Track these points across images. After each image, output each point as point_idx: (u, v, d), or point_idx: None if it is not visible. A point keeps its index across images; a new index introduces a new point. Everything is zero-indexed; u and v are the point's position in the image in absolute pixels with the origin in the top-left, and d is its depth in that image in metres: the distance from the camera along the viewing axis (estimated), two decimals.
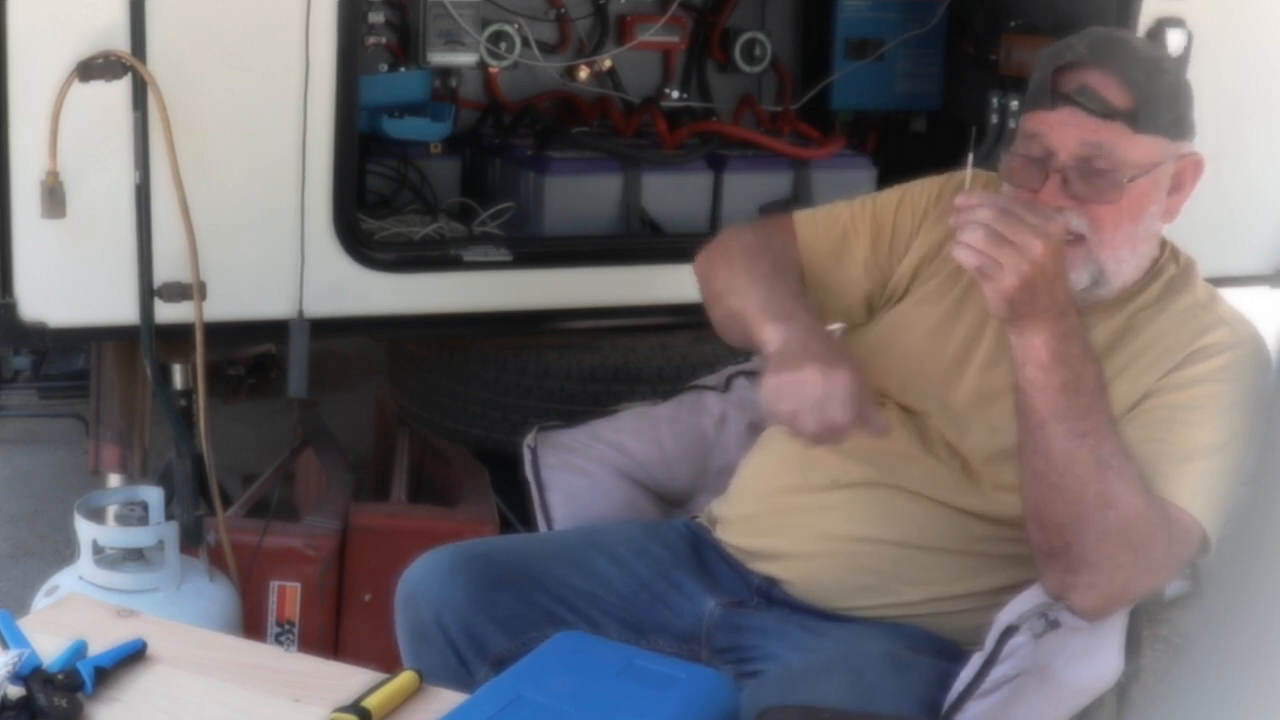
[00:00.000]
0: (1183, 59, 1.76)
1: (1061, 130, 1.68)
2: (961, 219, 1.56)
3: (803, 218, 1.95)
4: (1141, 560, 1.58)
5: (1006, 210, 1.55)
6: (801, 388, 1.59)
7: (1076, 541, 1.57)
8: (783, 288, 1.76)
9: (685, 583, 1.85)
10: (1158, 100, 1.68)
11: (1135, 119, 1.67)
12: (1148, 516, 1.57)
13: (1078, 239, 1.69)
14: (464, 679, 1.72)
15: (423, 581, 1.80)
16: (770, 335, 1.67)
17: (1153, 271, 1.79)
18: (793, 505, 1.83)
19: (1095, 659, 1.61)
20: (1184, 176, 1.74)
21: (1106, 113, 1.66)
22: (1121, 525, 1.56)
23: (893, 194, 1.95)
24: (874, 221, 1.91)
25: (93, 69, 2.16)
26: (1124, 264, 1.72)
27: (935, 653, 1.70)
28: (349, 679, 1.45)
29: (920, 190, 1.93)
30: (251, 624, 2.42)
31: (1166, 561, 1.61)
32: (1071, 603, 1.59)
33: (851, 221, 1.92)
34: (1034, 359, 1.58)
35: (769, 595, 1.83)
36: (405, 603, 1.81)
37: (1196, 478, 1.63)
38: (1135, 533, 1.56)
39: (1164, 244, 1.82)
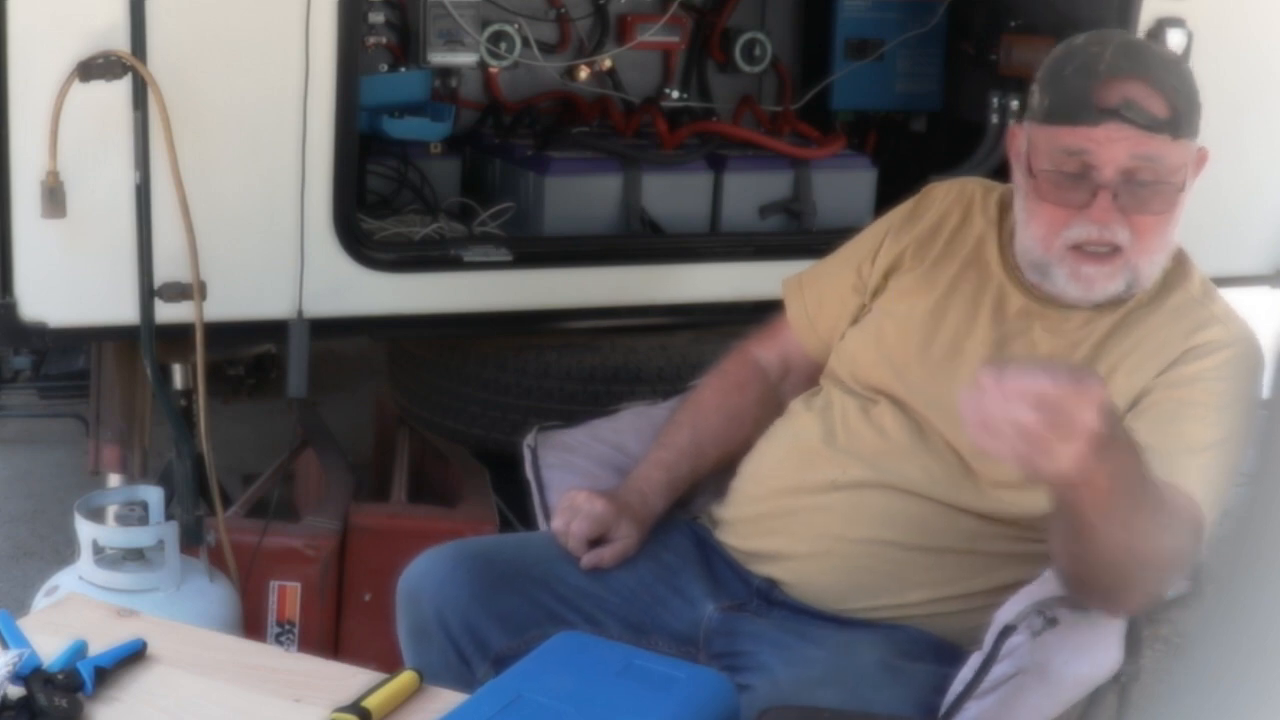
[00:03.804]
0: (1183, 58, 1.78)
1: (1110, 146, 1.67)
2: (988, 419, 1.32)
3: (791, 298, 2.05)
4: (1174, 572, 1.59)
5: (1043, 400, 1.30)
6: (572, 496, 1.88)
7: (1117, 591, 1.57)
8: (665, 457, 1.96)
9: (687, 586, 1.85)
10: (1191, 105, 1.70)
11: (1177, 127, 1.68)
12: (1176, 543, 1.55)
13: (1116, 250, 1.70)
14: (465, 677, 1.72)
15: (424, 579, 1.80)
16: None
17: None
18: (792, 507, 1.83)
19: (1095, 653, 1.61)
20: (1197, 169, 1.76)
21: (1153, 125, 1.66)
22: (1159, 569, 1.56)
23: (878, 221, 2.02)
24: (860, 249, 1.99)
25: (93, 69, 2.16)
26: (1155, 266, 1.75)
27: (933, 656, 1.69)
28: (349, 679, 1.45)
29: (897, 208, 2.00)
30: (251, 624, 2.42)
31: (1188, 555, 1.61)
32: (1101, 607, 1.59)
33: (842, 261, 2.01)
34: (1092, 491, 1.40)
35: (768, 597, 1.83)
36: (406, 600, 1.81)
37: (1201, 471, 1.63)
38: (1168, 565, 1.57)
39: None
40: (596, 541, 1.85)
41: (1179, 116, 1.68)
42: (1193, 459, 1.63)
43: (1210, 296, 1.78)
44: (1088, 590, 1.58)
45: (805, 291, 2.04)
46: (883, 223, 2.00)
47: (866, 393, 1.86)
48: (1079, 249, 1.72)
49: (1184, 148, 1.70)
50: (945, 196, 1.95)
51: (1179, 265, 1.80)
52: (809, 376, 2.02)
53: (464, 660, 1.76)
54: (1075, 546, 1.51)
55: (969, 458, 1.75)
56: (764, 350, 2.06)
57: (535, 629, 1.74)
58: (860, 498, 1.78)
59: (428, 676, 1.69)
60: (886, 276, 1.93)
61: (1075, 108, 1.69)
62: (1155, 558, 1.53)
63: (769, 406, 2.01)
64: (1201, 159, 1.76)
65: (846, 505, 1.79)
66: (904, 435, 1.80)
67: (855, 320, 1.95)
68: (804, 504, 1.82)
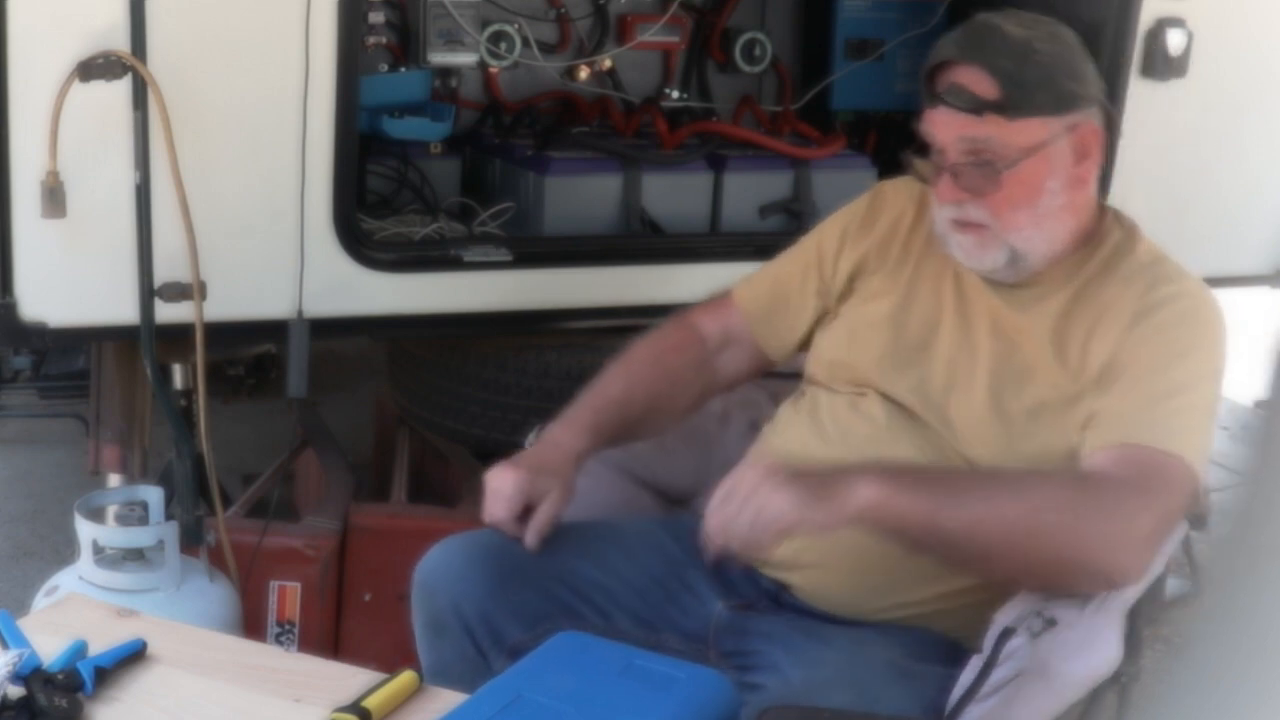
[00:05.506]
0: (1064, 30, 1.76)
1: (943, 129, 1.74)
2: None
3: (741, 287, 2.05)
4: (1116, 529, 1.58)
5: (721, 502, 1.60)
6: (486, 483, 1.85)
7: (1049, 574, 1.60)
8: (593, 401, 1.94)
9: (696, 583, 1.85)
10: (1029, 84, 1.70)
11: (1006, 108, 1.69)
12: (1080, 503, 1.58)
13: (981, 226, 1.73)
14: (481, 669, 1.71)
15: (438, 570, 1.80)
16: None
17: (1097, 238, 1.80)
18: None
19: (1094, 651, 1.61)
20: (1088, 144, 1.74)
21: (976, 107, 1.70)
22: (1064, 533, 1.57)
23: (832, 218, 2.02)
24: (818, 252, 1.98)
25: (93, 69, 2.16)
26: (1033, 240, 1.75)
27: (941, 658, 1.69)
28: (349, 679, 1.45)
29: (850, 209, 2.00)
30: (251, 624, 2.42)
31: (1156, 503, 1.60)
32: (1091, 586, 1.59)
33: (800, 263, 2.00)
34: (888, 513, 1.58)
35: (777, 599, 1.83)
36: (422, 592, 1.80)
37: (1169, 419, 1.64)
38: (1080, 526, 1.57)
39: (1105, 210, 1.83)
40: (528, 512, 1.82)
41: (1011, 97, 1.69)
42: (1160, 413, 1.64)
43: (1158, 260, 1.78)
44: (1036, 589, 1.61)
45: (762, 291, 2.03)
46: (835, 225, 1.99)
47: (851, 389, 1.86)
48: (955, 221, 1.77)
49: (1026, 126, 1.70)
50: (897, 196, 1.95)
51: (1128, 236, 1.81)
52: (751, 358, 2.03)
53: (480, 652, 1.76)
54: (965, 560, 1.64)
55: (961, 445, 1.75)
56: (706, 320, 2.04)
57: (549, 622, 1.74)
58: None
59: (443, 669, 1.69)
60: (852, 280, 1.93)
61: (924, 94, 1.76)
62: (1043, 534, 1.57)
63: (703, 374, 2.01)
64: (1093, 132, 1.74)
65: None
66: (894, 420, 1.80)
67: (820, 322, 1.96)
68: None
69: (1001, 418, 1.74)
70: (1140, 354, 1.69)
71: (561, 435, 1.88)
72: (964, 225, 1.75)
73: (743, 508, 1.57)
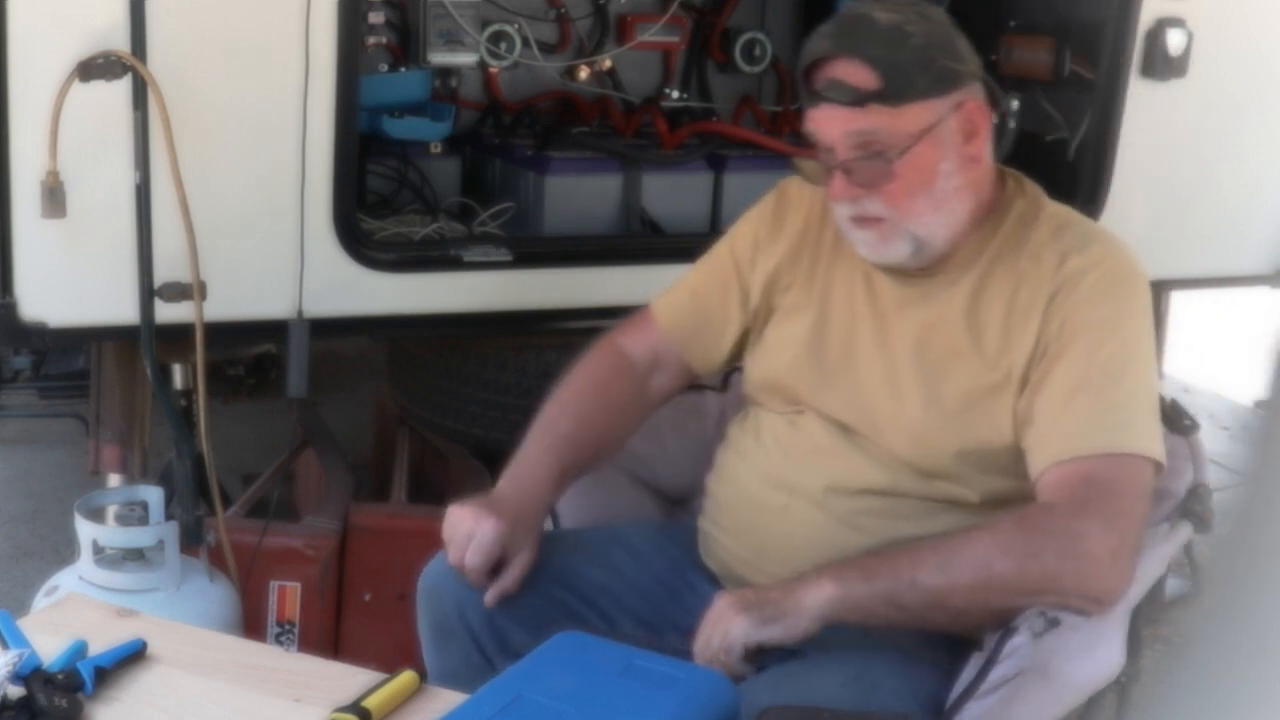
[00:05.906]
0: (934, 9, 1.72)
1: (829, 126, 1.70)
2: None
3: (660, 304, 2.00)
4: (1073, 558, 1.57)
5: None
6: (456, 522, 1.76)
7: (1013, 604, 1.59)
8: (552, 446, 1.88)
9: (698, 582, 1.85)
10: (907, 69, 1.67)
11: (888, 95, 1.66)
12: (1028, 543, 1.58)
13: (879, 220, 1.71)
14: (486, 674, 1.70)
15: (444, 576, 1.79)
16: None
17: (999, 212, 1.76)
18: (762, 546, 1.80)
19: (1096, 654, 1.61)
20: (975, 121, 1.71)
21: (858, 100, 1.66)
22: (1021, 577, 1.57)
23: (741, 224, 1.99)
24: (734, 262, 1.95)
25: (93, 69, 2.17)
26: (934, 225, 1.72)
27: (942, 653, 1.69)
28: (349, 679, 1.45)
29: (757, 211, 1.97)
30: (251, 624, 2.42)
31: (1112, 517, 1.58)
32: (1082, 610, 1.59)
33: (717, 275, 1.96)
34: (850, 603, 1.60)
35: None
36: (427, 598, 1.80)
37: (1111, 414, 1.62)
38: (1034, 566, 1.57)
39: (1005, 177, 1.79)
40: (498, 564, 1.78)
41: (891, 84, 1.65)
42: (1099, 410, 1.62)
43: (1064, 227, 1.74)
44: (1006, 615, 1.60)
45: (682, 308, 1.99)
46: (746, 231, 1.96)
47: (788, 409, 1.84)
48: (853, 218, 1.74)
49: (911, 111, 1.67)
50: (802, 194, 1.92)
51: (1032, 203, 1.77)
52: (679, 376, 2.00)
53: (485, 657, 1.76)
54: (943, 624, 1.65)
55: (900, 451, 1.74)
56: (632, 343, 2.00)
57: (554, 626, 1.73)
58: (814, 513, 1.76)
59: (449, 674, 1.69)
60: (768, 294, 1.90)
61: (803, 94, 1.73)
62: (989, 574, 1.57)
63: (640, 399, 1.98)
64: (977, 108, 1.71)
65: (806, 526, 1.76)
66: (834, 436, 1.78)
67: (746, 337, 1.93)
68: (770, 540, 1.79)
69: (933, 419, 1.71)
70: (1067, 343, 1.66)
71: (534, 488, 1.83)
72: (863, 221, 1.72)
73: (710, 640, 1.62)
